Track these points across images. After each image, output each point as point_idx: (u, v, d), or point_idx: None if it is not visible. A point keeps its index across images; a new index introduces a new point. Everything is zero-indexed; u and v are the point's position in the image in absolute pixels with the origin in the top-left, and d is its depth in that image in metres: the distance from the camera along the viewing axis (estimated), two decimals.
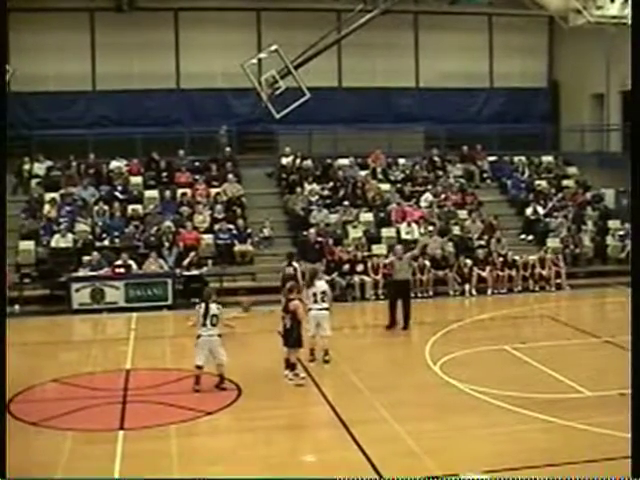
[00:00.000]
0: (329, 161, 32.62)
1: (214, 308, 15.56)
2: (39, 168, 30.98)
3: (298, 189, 30.46)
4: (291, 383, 16.00)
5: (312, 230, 27.74)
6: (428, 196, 30.59)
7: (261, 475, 11.30)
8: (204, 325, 15.44)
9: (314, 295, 17.43)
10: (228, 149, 32.63)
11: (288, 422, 14.09)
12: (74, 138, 32.09)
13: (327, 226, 28.48)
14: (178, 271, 25.46)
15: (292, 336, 16.14)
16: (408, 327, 20.96)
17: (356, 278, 25.84)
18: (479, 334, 20.61)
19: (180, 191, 30.00)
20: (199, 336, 15.53)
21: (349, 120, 34.87)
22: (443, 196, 30.84)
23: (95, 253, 25.56)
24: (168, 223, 27.62)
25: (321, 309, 17.41)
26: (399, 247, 22.68)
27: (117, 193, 29.76)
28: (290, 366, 16.27)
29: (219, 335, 15.58)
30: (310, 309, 17.32)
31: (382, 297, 25.46)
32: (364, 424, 13.38)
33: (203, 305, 15.61)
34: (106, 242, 27.21)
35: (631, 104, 10.58)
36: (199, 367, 15.61)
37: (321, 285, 17.69)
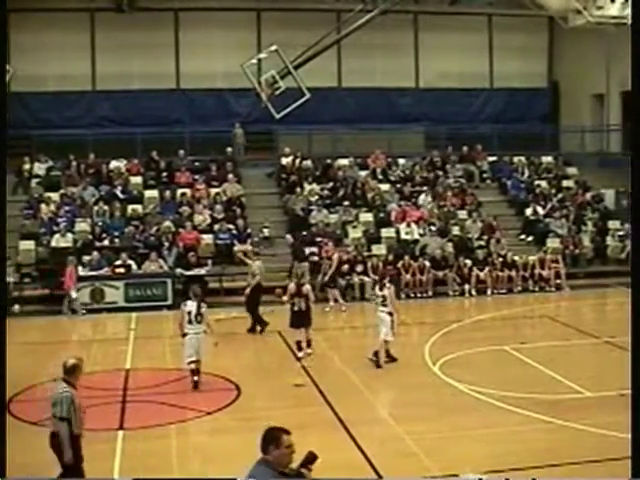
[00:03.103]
0: (329, 161, 32.55)
1: (200, 307, 15.99)
2: (39, 168, 30.94)
3: (298, 189, 30.40)
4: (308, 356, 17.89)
5: (288, 236, 27.91)
6: (425, 196, 30.50)
7: None
8: (190, 323, 15.89)
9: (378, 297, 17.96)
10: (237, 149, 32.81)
11: (287, 422, 13.85)
12: (74, 138, 32.07)
13: (327, 226, 28.45)
14: (178, 271, 25.50)
15: (308, 317, 18.20)
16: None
17: (356, 278, 25.87)
18: (479, 334, 20.61)
19: (180, 191, 29.96)
20: (185, 334, 15.93)
21: (349, 120, 34.81)
22: (442, 196, 30.79)
23: (95, 253, 25.58)
24: (168, 223, 27.63)
25: (382, 312, 17.59)
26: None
27: (117, 193, 29.71)
28: (307, 343, 18.25)
29: (205, 332, 16.05)
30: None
31: None
32: (364, 424, 13.38)
33: (188, 303, 16.08)
34: (106, 242, 27.18)
35: (631, 104, 10.58)
36: (193, 362, 15.85)
37: (385, 290, 17.80)
